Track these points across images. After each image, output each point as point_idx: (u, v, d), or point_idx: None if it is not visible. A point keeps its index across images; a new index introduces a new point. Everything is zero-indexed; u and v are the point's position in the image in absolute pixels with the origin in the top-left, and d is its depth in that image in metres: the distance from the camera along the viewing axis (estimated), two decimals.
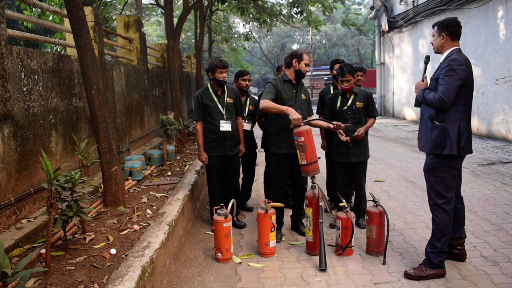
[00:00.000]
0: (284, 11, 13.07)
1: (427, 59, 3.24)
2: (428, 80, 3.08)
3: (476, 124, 9.82)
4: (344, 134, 3.78)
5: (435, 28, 3.02)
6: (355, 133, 3.88)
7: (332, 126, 3.69)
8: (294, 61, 3.82)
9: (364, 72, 5.12)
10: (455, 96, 2.84)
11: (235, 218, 4.10)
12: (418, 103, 3.13)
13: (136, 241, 3.10)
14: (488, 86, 9.41)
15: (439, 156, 2.94)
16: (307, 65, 3.84)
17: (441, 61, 2.99)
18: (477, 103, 9.57)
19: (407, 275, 3.01)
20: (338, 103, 4.05)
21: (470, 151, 2.96)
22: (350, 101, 3.99)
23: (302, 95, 3.93)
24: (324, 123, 3.79)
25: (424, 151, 3.06)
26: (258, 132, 4.83)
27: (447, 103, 2.83)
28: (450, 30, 2.94)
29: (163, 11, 11.17)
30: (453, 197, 3.00)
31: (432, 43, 3.08)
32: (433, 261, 2.98)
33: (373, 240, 3.43)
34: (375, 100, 4.20)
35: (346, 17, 14.21)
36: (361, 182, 4.07)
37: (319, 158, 3.50)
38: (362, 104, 4.00)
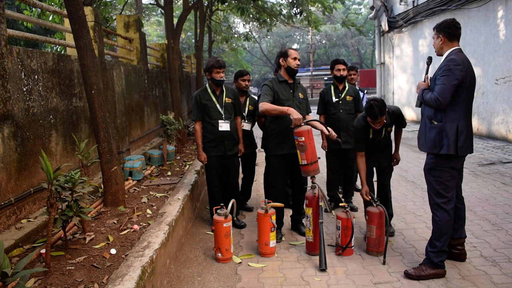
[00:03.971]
0: (284, 11, 13.06)
1: (430, 60, 3.25)
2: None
3: (476, 124, 9.82)
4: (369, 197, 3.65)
5: (434, 30, 3.05)
6: (394, 164, 3.79)
7: (326, 132, 3.67)
8: (281, 60, 3.82)
9: (357, 70, 5.19)
10: (451, 96, 2.85)
11: (235, 218, 4.10)
12: (419, 104, 3.15)
13: (136, 241, 3.10)
14: (488, 86, 9.42)
15: (438, 156, 2.95)
16: (295, 58, 3.78)
17: (441, 61, 3.01)
18: (477, 103, 9.57)
19: (407, 275, 3.02)
20: (371, 135, 3.65)
21: (470, 151, 2.97)
22: (383, 132, 3.66)
23: (300, 94, 3.92)
24: (320, 126, 3.76)
25: (424, 151, 3.07)
26: (258, 132, 4.82)
27: (443, 103, 2.85)
28: (447, 32, 2.96)
29: (163, 11, 11.17)
30: (453, 197, 3.00)
31: (434, 46, 3.11)
32: (433, 260, 2.98)
33: (373, 240, 3.43)
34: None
35: (346, 17, 14.22)
36: (388, 186, 3.89)
37: (319, 158, 3.50)
38: (393, 126, 3.72)
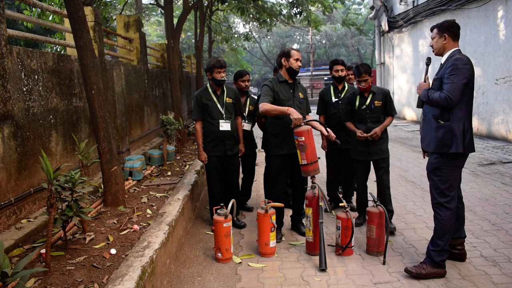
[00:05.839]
0: (284, 11, 13.06)
1: (429, 60, 3.26)
2: (430, 81, 3.11)
3: (476, 124, 9.82)
4: (364, 134, 3.89)
5: (435, 30, 3.05)
6: (370, 133, 3.88)
7: (325, 133, 3.68)
8: (283, 60, 3.81)
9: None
10: (461, 95, 2.86)
11: (235, 218, 4.10)
12: (421, 104, 3.14)
13: (136, 241, 3.10)
14: (488, 86, 9.42)
15: (444, 155, 2.95)
16: (298, 60, 3.79)
17: (442, 62, 3.02)
18: (477, 103, 9.56)
19: (407, 271, 3.01)
20: (357, 103, 4.02)
21: (473, 150, 2.99)
22: (368, 100, 3.96)
23: (300, 93, 3.92)
24: (319, 126, 3.75)
25: (429, 151, 3.06)
26: (258, 132, 4.82)
27: (454, 101, 2.86)
28: (452, 31, 2.98)
29: (163, 11, 11.16)
30: (455, 196, 3.02)
31: (431, 46, 3.10)
32: (434, 259, 2.98)
33: (373, 240, 3.43)
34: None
35: (346, 17, 14.19)
36: (385, 180, 3.96)
37: (319, 158, 3.50)
38: (381, 102, 3.97)
